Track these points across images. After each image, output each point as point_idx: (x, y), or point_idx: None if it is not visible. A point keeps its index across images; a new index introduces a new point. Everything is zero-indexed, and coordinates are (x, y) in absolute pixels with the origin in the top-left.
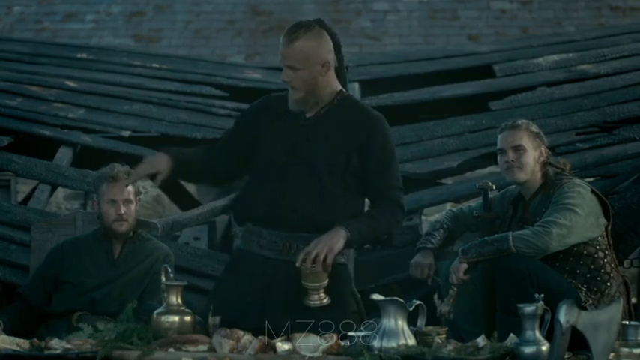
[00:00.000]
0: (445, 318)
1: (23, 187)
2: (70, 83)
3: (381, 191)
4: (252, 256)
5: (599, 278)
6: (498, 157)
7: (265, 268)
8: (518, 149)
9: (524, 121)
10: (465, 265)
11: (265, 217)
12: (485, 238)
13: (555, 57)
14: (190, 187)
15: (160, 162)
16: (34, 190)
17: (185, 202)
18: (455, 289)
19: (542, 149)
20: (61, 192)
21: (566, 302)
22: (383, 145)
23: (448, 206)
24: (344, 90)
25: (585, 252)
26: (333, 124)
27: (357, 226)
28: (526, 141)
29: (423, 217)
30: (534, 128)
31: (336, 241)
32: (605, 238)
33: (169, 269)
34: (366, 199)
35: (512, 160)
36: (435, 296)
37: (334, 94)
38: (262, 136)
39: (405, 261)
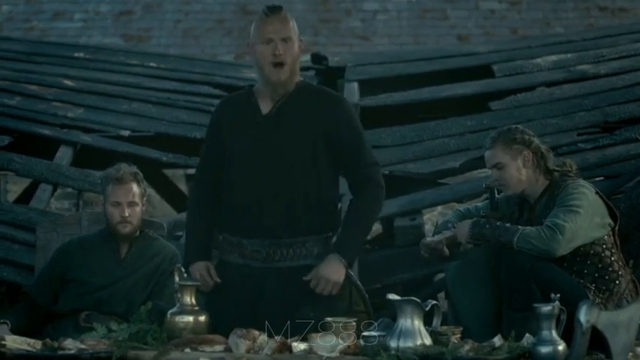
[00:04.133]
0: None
1: (14, 187)
2: (68, 82)
3: (359, 171)
4: (236, 267)
5: (607, 277)
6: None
7: (252, 278)
8: (498, 167)
9: (500, 131)
10: (470, 245)
11: (244, 227)
12: (498, 224)
13: (554, 57)
14: (183, 186)
15: (204, 271)
16: (27, 189)
17: (178, 201)
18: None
19: (525, 153)
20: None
21: (587, 302)
22: (349, 125)
23: (440, 208)
24: (298, 79)
25: (592, 252)
26: (293, 116)
27: (351, 246)
28: (501, 156)
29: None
30: (511, 135)
31: (337, 276)
32: (612, 238)
33: (183, 269)
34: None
35: (497, 179)
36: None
37: (292, 84)
38: (225, 141)
39: (408, 261)
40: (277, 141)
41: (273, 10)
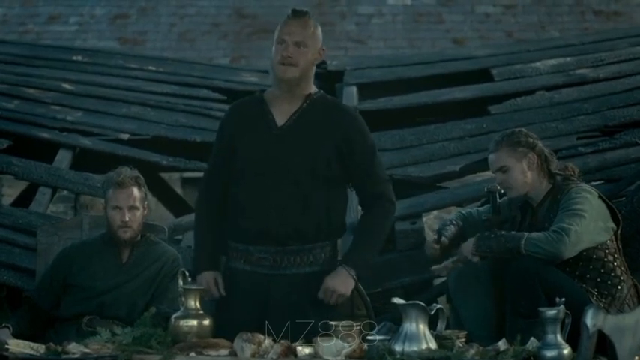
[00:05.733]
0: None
1: (8, 191)
2: (67, 86)
3: (371, 189)
4: (243, 273)
5: (609, 282)
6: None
7: (259, 285)
8: (503, 170)
9: (504, 134)
10: (476, 258)
11: (251, 234)
12: (502, 233)
13: (553, 61)
14: (179, 190)
15: (211, 281)
16: (24, 192)
17: (175, 205)
18: (460, 264)
19: (530, 156)
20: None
21: (593, 306)
22: (363, 143)
23: (435, 212)
24: (314, 91)
25: (595, 256)
26: (308, 129)
27: (361, 259)
28: (506, 159)
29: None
30: (515, 138)
31: (345, 288)
32: (614, 242)
33: (187, 273)
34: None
35: (501, 182)
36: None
37: (305, 97)
38: (237, 149)
39: (408, 264)
40: (290, 153)
41: (296, 14)
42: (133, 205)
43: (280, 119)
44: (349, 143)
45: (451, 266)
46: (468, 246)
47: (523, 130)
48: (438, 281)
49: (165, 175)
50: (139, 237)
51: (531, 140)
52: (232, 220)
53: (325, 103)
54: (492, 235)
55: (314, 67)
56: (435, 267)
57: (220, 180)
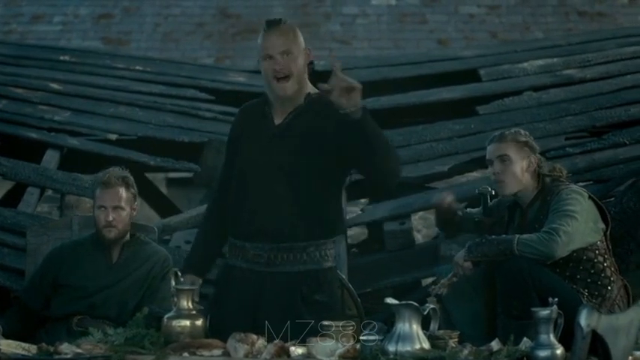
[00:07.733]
0: (437, 294)
1: None
2: (55, 86)
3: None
4: (240, 270)
5: (599, 282)
6: (488, 169)
7: (253, 283)
8: (504, 159)
9: (512, 130)
10: (469, 264)
11: (247, 231)
12: (493, 237)
13: (540, 62)
14: (164, 190)
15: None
16: (10, 192)
17: (161, 205)
18: (455, 279)
19: (532, 158)
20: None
21: (587, 306)
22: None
23: (420, 212)
24: (313, 91)
25: (585, 257)
26: (304, 128)
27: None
28: (512, 151)
29: None
30: (522, 137)
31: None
32: (604, 243)
33: (179, 273)
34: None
35: (498, 172)
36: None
37: (304, 96)
38: (239, 150)
39: (398, 265)
40: (285, 151)
41: (271, 25)
42: (118, 205)
43: (278, 118)
44: (344, 133)
45: (447, 283)
46: (461, 255)
47: (527, 131)
48: (427, 282)
49: (149, 176)
50: (129, 237)
51: (535, 145)
52: (231, 217)
53: (320, 101)
54: (484, 240)
55: (306, 69)
56: (432, 287)
57: (229, 187)
